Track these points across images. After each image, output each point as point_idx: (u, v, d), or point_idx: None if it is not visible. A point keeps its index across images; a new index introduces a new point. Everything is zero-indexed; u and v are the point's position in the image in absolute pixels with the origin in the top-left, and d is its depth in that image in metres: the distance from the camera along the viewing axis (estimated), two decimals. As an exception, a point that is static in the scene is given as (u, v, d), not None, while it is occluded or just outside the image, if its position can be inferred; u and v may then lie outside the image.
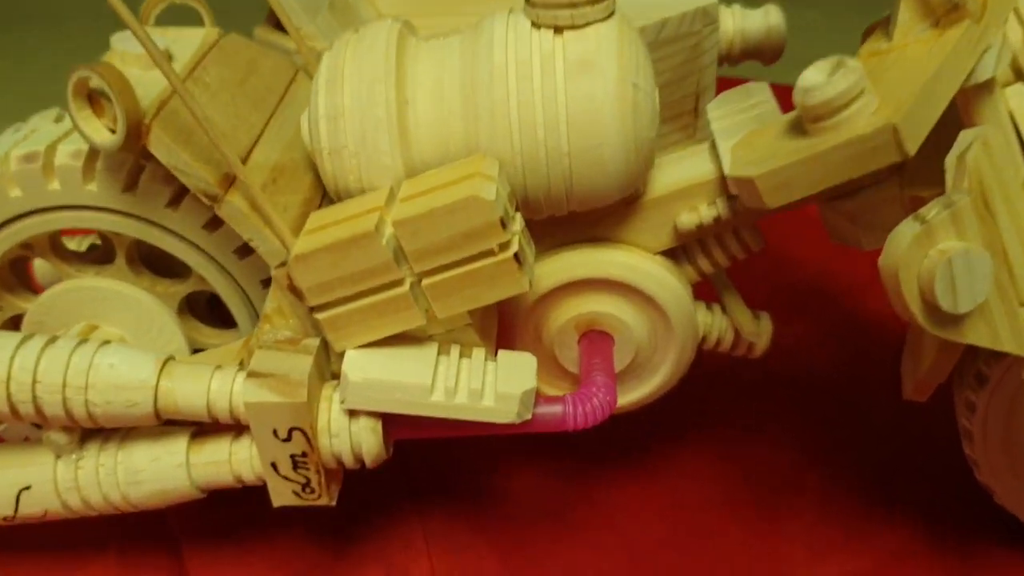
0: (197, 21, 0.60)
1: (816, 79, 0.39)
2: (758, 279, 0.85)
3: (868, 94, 0.39)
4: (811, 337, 0.78)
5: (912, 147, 0.38)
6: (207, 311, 0.61)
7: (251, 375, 0.47)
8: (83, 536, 0.59)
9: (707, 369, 0.74)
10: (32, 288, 0.59)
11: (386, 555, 0.59)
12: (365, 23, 0.59)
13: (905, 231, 0.41)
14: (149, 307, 0.55)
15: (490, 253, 0.46)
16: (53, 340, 0.49)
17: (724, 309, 0.59)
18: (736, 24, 0.73)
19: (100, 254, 0.60)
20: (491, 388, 0.48)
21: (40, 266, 0.62)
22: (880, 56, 0.42)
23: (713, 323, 0.58)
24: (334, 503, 0.51)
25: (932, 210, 0.41)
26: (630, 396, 0.58)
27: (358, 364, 0.48)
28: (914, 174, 0.47)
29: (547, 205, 0.50)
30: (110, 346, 0.49)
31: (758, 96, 0.53)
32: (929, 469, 0.66)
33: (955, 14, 0.41)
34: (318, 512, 0.61)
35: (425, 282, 0.47)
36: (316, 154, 0.50)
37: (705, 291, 0.59)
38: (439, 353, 0.49)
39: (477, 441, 0.66)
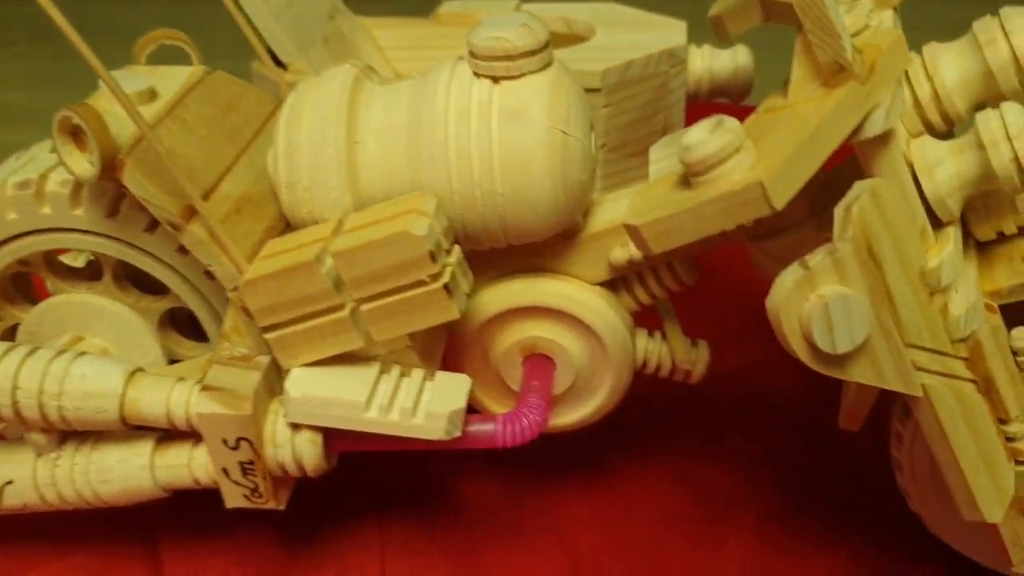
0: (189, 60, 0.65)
1: (696, 137, 0.42)
2: (716, 301, 0.88)
3: (746, 151, 0.42)
4: (770, 360, 0.81)
5: (779, 202, 0.42)
6: (189, 326, 0.66)
7: (204, 388, 0.52)
8: (66, 529, 0.64)
9: (668, 389, 0.78)
10: (34, 300, 0.64)
11: (342, 556, 0.64)
12: (358, 58, 0.64)
13: (788, 276, 0.45)
14: (130, 321, 0.60)
15: (422, 283, 0.50)
16: (35, 350, 0.54)
17: (664, 336, 0.62)
18: (704, 63, 0.76)
19: (92, 270, 0.65)
20: (423, 407, 0.52)
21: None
22: (773, 112, 0.46)
23: (652, 349, 0.62)
24: (283, 507, 0.56)
25: (816, 256, 0.45)
26: (571, 416, 0.62)
27: (300, 381, 0.52)
28: (832, 218, 0.51)
29: (486, 239, 0.55)
30: (85, 357, 0.54)
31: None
32: (875, 498, 0.68)
33: (841, 75, 0.44)
34: (285, 512, 0.66)
35: (363, 308, 0.51)
36: (276, 186, 0.55)
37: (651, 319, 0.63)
38: (380, 372, 0.54)
39: (432, 453, 0.71)
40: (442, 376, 0.55)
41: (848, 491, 0.69)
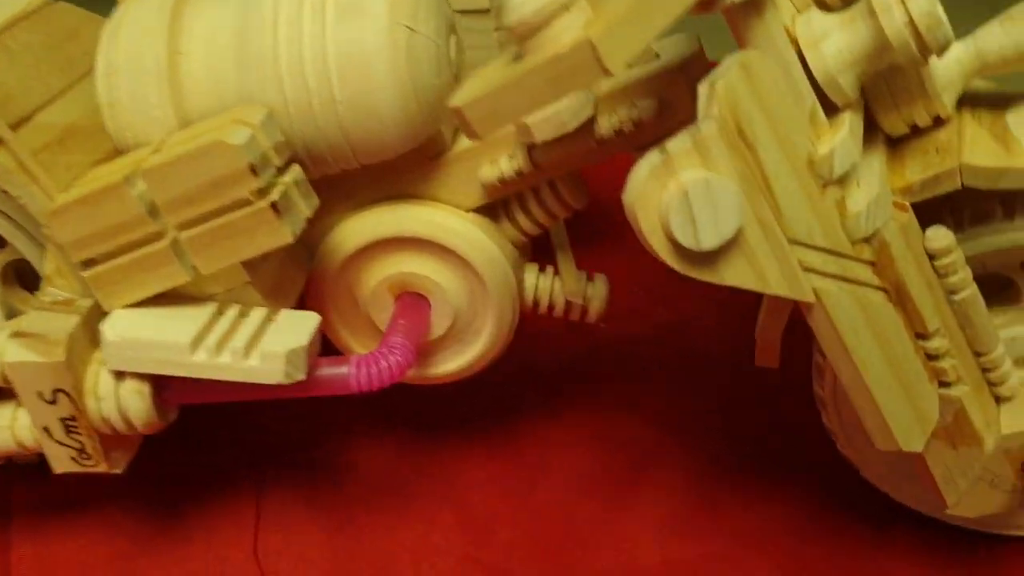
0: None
1: (517, -5, 0.36)
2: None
3: (577, 9, 0.36)
4: (700, 314, 0.74)
5: (614, 65, 0.35)
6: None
7: (15, 335, 0.46)
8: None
9: (585, 344, 0.72)
10: None
11: (212, 531, 0.57)
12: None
13: (644, 163, 0.38)
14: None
15: (246, 203, 0.44)
16: None
17: (556, 271, 0.56)
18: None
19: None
20: (260, 347, 0.46)
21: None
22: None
23: (543, 286, 0.56)
24: (118, 470, 0.50)
25: (675, 139, 0.38)
26: (454, 362, 0.56)
27: (119, 323, 0.46)
28: None
29: (332, 158, 0.48)
30: None
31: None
32: (801, 450, 0.62)
33: (695, -74, 0.38)
34: (153, 484, 0.60)
35: (184, 235, 0.45)
36: (101, 111, 0.49)
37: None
38: (215, 313, 0.48)
39: (324, 414, 0.65)
40: (287, 314, 0.48)
41: (774, 442, 0.63)
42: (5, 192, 0.52)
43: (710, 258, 0.39)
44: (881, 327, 0.43)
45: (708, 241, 0.38)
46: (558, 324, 0.71)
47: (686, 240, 0.38)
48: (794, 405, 0.64)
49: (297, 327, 0.47)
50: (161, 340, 0.45)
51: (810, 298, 0.41)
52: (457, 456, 0.63)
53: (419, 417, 0.65)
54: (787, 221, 0.40)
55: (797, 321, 0.47)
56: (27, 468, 0.60)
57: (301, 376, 0.46)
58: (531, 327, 0.73)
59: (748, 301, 0.64)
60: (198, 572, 0.55)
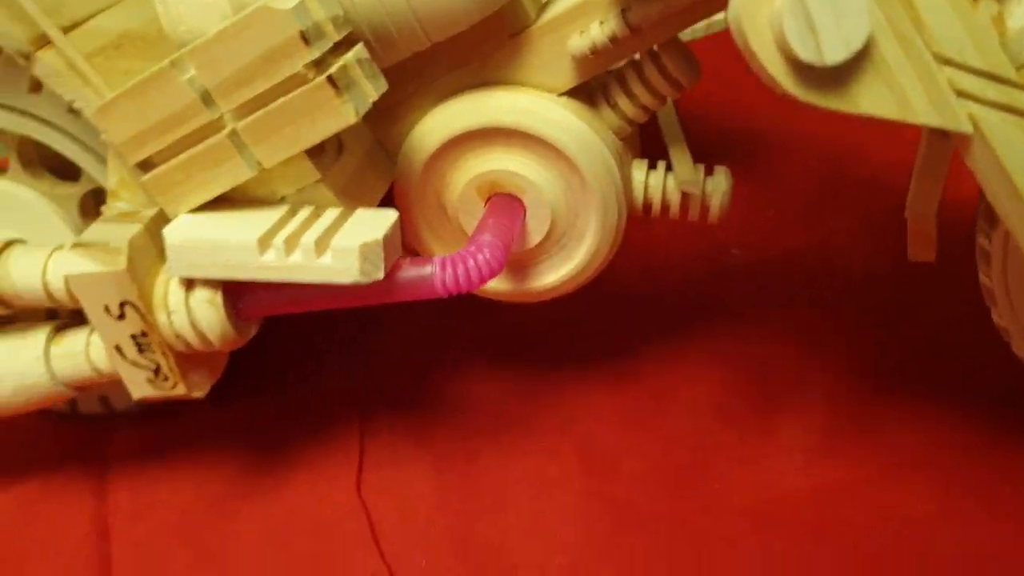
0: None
1: None
2: (786, 172, 0.74)
3: None
4: (837, 233, 0.66)
5: None
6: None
7: (75, 246, 0.43)
8: (8, 460, 0.56)
9: (718, 268, 0.65)
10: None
11: (314, 470, 0.53)
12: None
13: (747, -34, 0.32)
14: (40, 207, 0.52)
15: (302, 80, 0.40)
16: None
17: (670, 167, 0.49)
18: None
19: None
20: (333, 244, 0.41)
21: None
22: None
23: (653, 183, 0.49)
24: (199, 394, 0.46)
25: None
26: (559, 272, 0.50)
27: (182, 226, 0.43)
28: None
29: (399, 35, 0.43)
30: (-45, 232, 0.46)
31: None
32: (965, 360, 0.53)
33: None
34: (252, 426, 0.57)
35: (241, 124, 0.41)
36: (155, 5, 0.46)
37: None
38: (286, 214, 0.43)
39: (432, 349, 0.60)
40: (364, 212, 0.44)
41: (933, 354, 0.54)
42: (74, 112, 0.49)
43: (837, 78, 0.32)
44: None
45: (833, 53, 0.31)
46: (686, 252, 0.65)
47: (806, 53, 0.31)
48: (955, 310, 0.55)
49: (373, 223, 0.43)
50: (227, 240, 0.41)
51: (966, 128, 0.34)
52: (576, 388, 0.57)
53: (534, 350, 0.60)
54: (931, 34, 0.33)
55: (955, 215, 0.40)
56: (124, 419, 0.58)
57: (379, 275, 0.42)
58: (656, 256, 0.67)
59: (888, 209, 0.55)
60: (299, 512, 0.51)
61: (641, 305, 0.63)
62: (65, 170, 0.54)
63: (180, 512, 0.52)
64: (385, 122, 0.48)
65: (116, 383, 0.47)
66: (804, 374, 0.56)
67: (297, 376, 0.60)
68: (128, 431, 0.57)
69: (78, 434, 0.58)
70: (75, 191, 0.53)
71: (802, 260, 0.65)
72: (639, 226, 0.70)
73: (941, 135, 0.41)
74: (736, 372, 0.56)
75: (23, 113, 0.50)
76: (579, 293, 0.65)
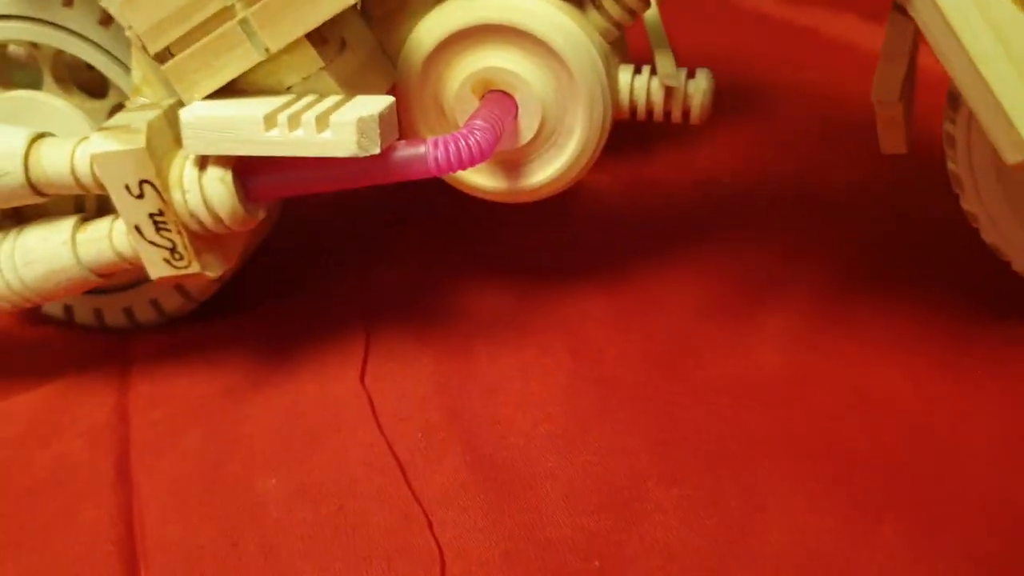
0: None
1: None
2: (773, 106, 0.78)
3: None
4: (824, 163, 0.69)
5: None
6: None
7: (101, 130, 0.47)
8: (33, 361, 0.60)
9: (711, 194, 0.68)
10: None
11: (321, 365, 0.56)
12: None
13: None
14: (75, 118, 0.56)
15: (306, -35, 0.43)
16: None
17: (654, 70, 0.53)
18: None
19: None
20: (332, 120, 0.45)
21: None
22: None
23: (638, 85, 0.52)
24: (212, 274, 0.50)
25: None
26: (551, 167, 0.53)
27: (196, 107, 0.46)
28: None
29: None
30: (-11, 124, 0.50)
31: None
32: (939, 250, 0.56)
33: None
34: (264, 329, 0.60)
35: (251, 11, 0.45)
36: None
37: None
38: (292, 98, 0.47)
39: (435, 259, 0.64)
40: (362, 97, 0.47)
41: (909, 250, 0.57)
42: (103, 24, 0.53)
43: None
44: (995, 9, 0.38)
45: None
46: (678, 181, 0.68)
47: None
48: (928, 201, 0.58)
49: (371, 104, 0.46)
50: (236, 115, 0.45)
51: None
52: (569, 295, 0.60)
53: (530, 267, 0.63)
54: None
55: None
56: (146, 329, 0.61)
57: (375, 149, 0.45)
58: (647, 187, 0.70)
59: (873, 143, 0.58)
60: (305, 401, 0.54)
61: (632, 227, 0.66)
62: (93, 89, 0.59)
63: (195, 399, 0.55)
64: (387, 27, 0.52)
65: (139, 267, 0.51)
66: (787, 282, 0.58)
67: (305, 291, 0.63)
68: (150, 338, 0.61)
69: (105, 343, 0.61)
70: (103, 105, 0.57)
71: (790, 186, 0.68)
72: (633, 162, 0.74)
73: (902, 12, 0.44)
74: (722, 279, 0.59)
75: (57, 27, 0.54)
76: (573, 215, 0.68)
